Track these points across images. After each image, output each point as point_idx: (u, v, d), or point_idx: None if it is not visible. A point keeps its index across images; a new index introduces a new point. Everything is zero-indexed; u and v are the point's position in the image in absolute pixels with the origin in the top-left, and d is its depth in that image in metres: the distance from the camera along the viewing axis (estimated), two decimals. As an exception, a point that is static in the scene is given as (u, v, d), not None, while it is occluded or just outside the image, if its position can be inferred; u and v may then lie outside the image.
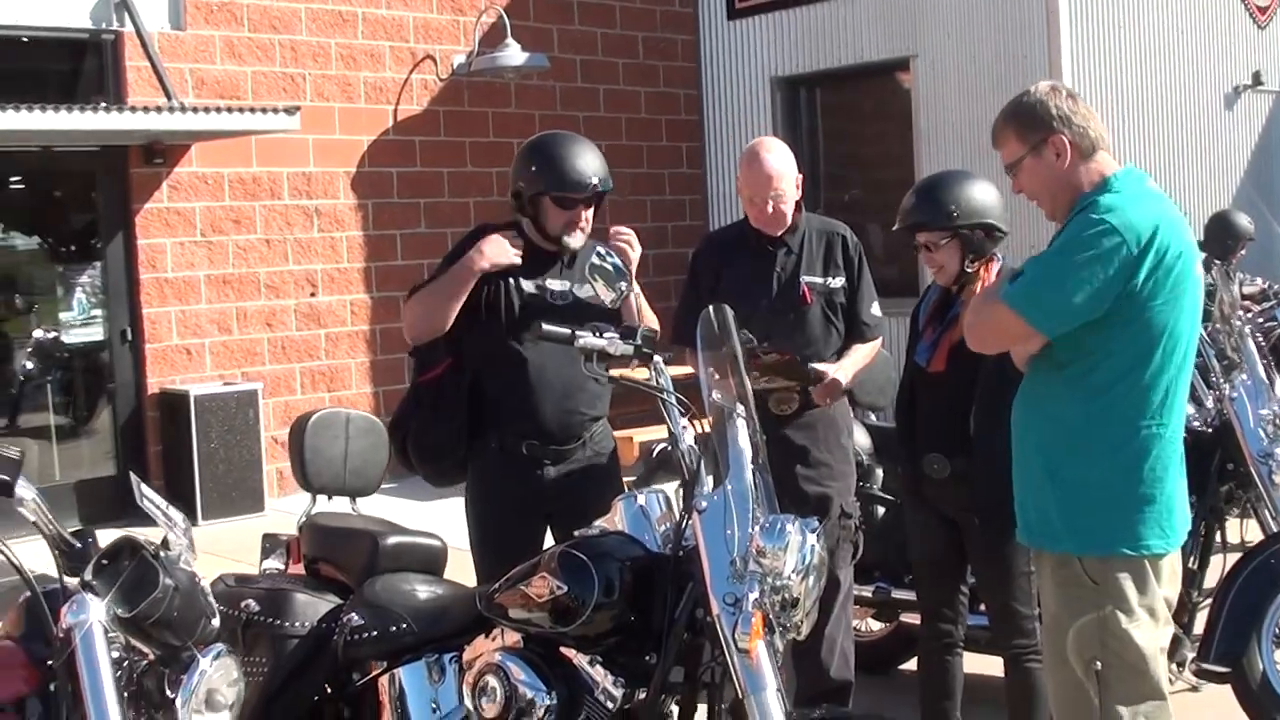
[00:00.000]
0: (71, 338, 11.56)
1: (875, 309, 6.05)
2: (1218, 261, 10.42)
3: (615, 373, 4.41)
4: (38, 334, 11.31)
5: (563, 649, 4.24)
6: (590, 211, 5.43)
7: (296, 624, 4.78)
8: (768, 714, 3.73)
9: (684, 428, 4.10)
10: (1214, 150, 14.77)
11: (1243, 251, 11.17)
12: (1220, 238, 11.07)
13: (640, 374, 4.34)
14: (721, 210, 15.12)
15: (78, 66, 11.76)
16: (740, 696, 3.80)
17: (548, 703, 4.15)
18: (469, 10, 13.51)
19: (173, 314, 11.77)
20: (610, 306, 4.63)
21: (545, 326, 4.50)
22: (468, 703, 4.34)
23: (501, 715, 4.20)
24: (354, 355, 12.77)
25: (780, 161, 5.97)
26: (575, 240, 5.38)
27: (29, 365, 10.90)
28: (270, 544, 5.48)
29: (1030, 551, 4.82)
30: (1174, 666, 6.36)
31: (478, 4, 13.54)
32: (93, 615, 2.88)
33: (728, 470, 3.95)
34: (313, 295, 12.52)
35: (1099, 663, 4.23)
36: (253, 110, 11.40)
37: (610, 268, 4.51)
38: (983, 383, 5.19)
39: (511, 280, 5.38)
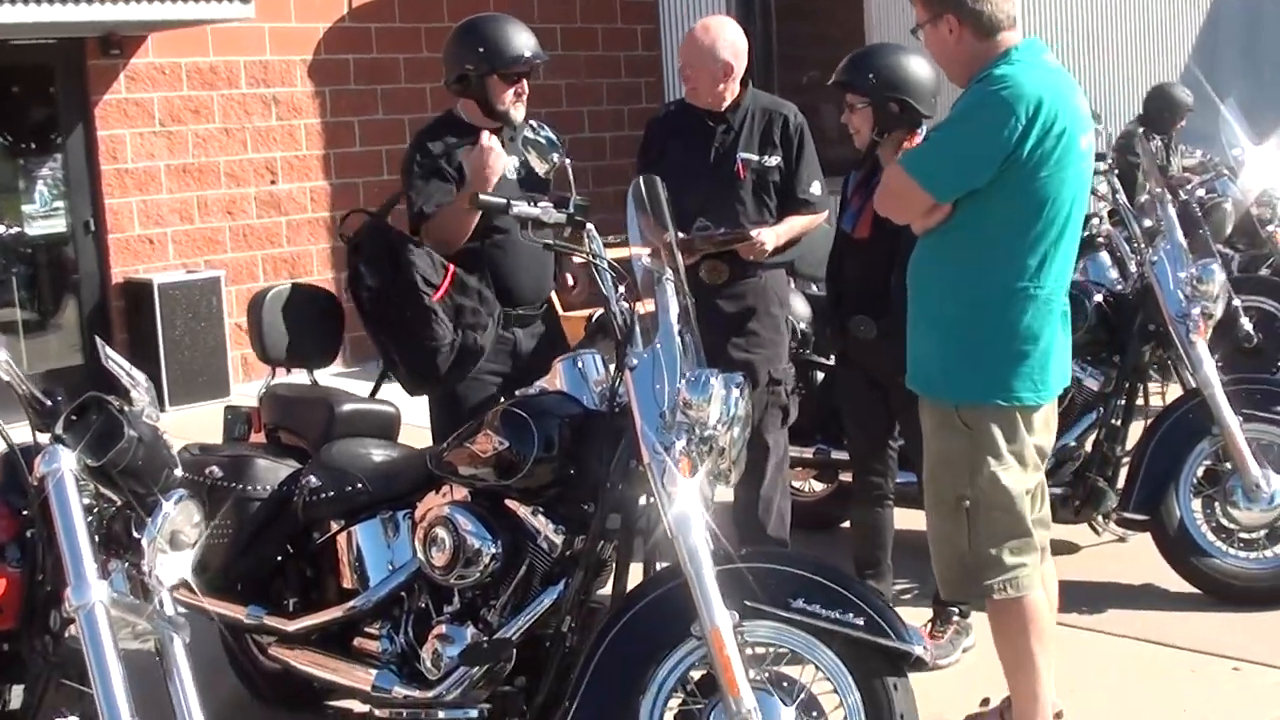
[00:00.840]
0: (34, 230, 11.67)
1: (816, 187, 6.22)
2: (1156, 135, 10.73)
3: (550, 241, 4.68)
4: (0, 229, 11.44)
5: (507, 502, 4.52)
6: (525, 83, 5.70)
7: (258, 488, 5.04)
8: (694, 552, 4.01)
9: (617, 292, 4.36)
10: (1161, 21, 14.93)
11: (1182, 123, 11.40)
12: (1159, 110, 11.32)
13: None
14: (677, 92, 15.22)
15: (31, -41, 11.81)
16: (670, 538, 4.08)
17: (493, 550, 4.43)
18: (420, -106, 13.55)
19: (134, 204, 11.91)
20: (544, 177, 4.84)
21: (481, 197, 4.74)
22: (419, 555, 4.62)
23: (450, 564, 4.47)
24: (315, 241, 12.93)
25: (714, 38, 6.11)
26: (519, 112, 5.61)
27: (-9, 260, 11.02)
28: (232, 415, 5.73)
29: None
30: (1100, 518, 6.70)
31: (428, -112, 13.57)
32: (64, 464, 3.13)
33: (656, 330, 4.21)
34: (273, 183, 12.66)
35: (969, 501, 4.53)
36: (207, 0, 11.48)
37: (543, 140, 4.75)
38: (903, 248, 5.28)
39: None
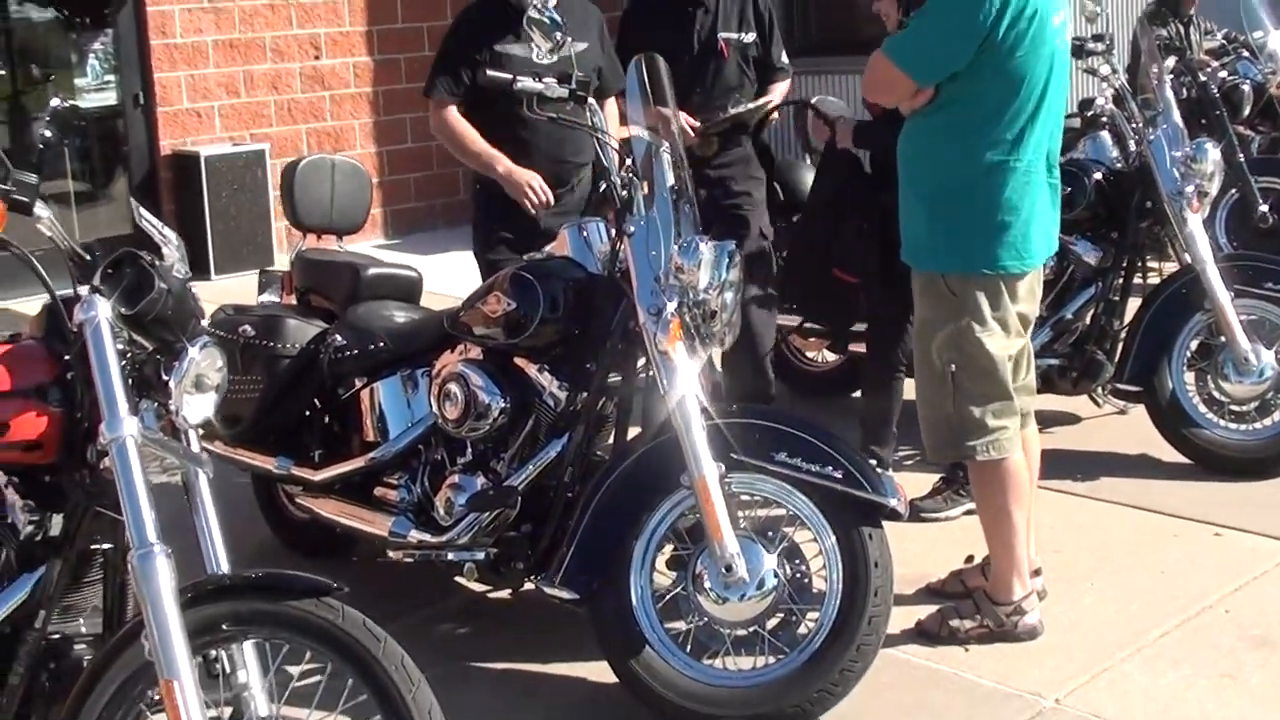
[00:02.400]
0: (87, 104, 11.84)
1: (784, 57, 6.86)
2: (1174, 16, 10.78)
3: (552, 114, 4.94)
4: (55, 102, 11.49)
5: (516, 360, 4.84)
6: None
7: (288, 345, 5.37)
8: (683, 407, 4.32)
9: (619, 165, 4.64)
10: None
11: (1194, 3, 11.45)
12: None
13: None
14: None
15: None
16: (663, 394, 4.39)
17: (501, 405, 4.76)
18: None
19: (182, 78, 12.11)
20: (549, 57, 5.02)
21: (489, 73, 5.00)
22: (434, 409, 4.95)
23: (462, 417, 4.80)
24: (357, 116, 13.14)
25: None
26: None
27: (47, 133, 11.19)
28: (266, 279, 6.05)
29: None
30: (1098, 390, 6.93)
31: None
32: (100, 313, 3.43)
33: (652, 199, 4.50)
34: (316, 58, 12.85)
35: (954, 365, 4.82)
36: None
37: (547, 20, 4.92)
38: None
39: (494, 51, 5.81)
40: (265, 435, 5.41)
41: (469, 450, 4.94)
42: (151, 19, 11.92)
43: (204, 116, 12.25)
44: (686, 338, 4.40)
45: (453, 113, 5.93)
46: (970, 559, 5.36)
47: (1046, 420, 7.19)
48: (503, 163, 5.81)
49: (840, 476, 4.34)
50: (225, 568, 3.47)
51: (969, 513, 5.83)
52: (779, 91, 6.84)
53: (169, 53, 12.03)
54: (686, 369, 4.37)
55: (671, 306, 4.36)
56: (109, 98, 12.15)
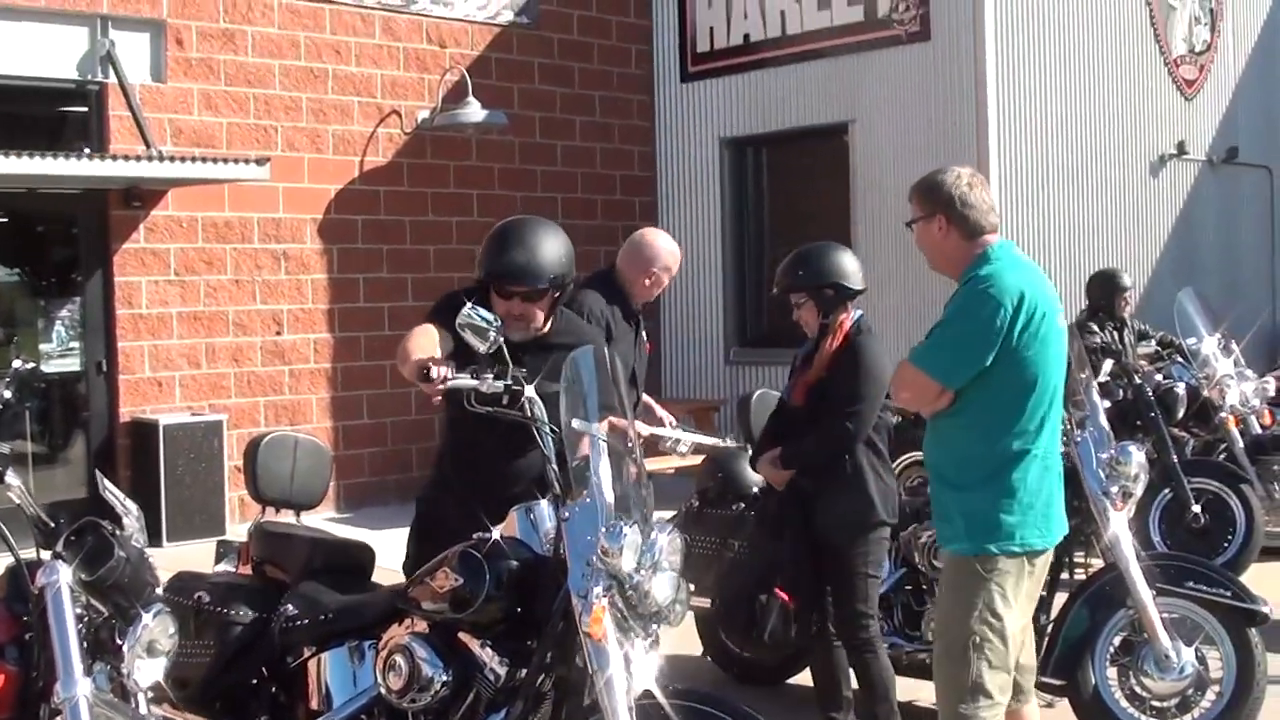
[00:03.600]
0: (50, 368, 12.05)
1: None
2: (1109, 320, 11.20)
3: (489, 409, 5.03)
4: (16, 363, 11.54)
5: (461, 635, 4.97)
6: (539, 305, 5.42)
7: (240, 613, 5.49)
8: (611, 689, 4.42)
9: (553, 451, 4.85)
10: (1139, 217, 15.48)
11: (1128, 306, 11.92)
12: (1102, 294, 11.87)
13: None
14: (670, 213, 16.01)
15: (64, 114, 12.49)
16: (590, 673, 4.53)
17: (444, 678, 4.84)
18: (434, 69, 14.25)
19: (146, 348, 12.43)
20: (484, 353, 4.93)
21: (429, 369, 5.00)
22: (379, 680, 5.06)
23: (405, 689, 4.87)
24: (315, 391, 13.43)
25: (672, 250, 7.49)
26: (515, 333, 5.29)
27: (7, 394, 11.29)
28: (224, 548, 6.18)
29: (868, 555, 6.35)
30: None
31: (442, 64, 14.28)
32: (62, 578, 3.62)
33: (586, 485, 4.70)
34: (278, 334, 13.18)
35: (976, 638, 5.17)
36: (227, 160, 12.12)
37: (479, 321, 4.90)
38: (825, 414, 6.42)
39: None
40: (214, 700, 5.49)
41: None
42: (119, 289, 12.30)
43: (164, 386, 12.50)
44: (620, 619, 4.53)
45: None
46: None
47: (977, 711, 7.33)
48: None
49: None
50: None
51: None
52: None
53: (134, 322, 12.36)
54: (614, 648, 4.47)
55: (598, 590, 4.50)
56: (72, 363, 12.39)
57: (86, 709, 3.42)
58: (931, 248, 5.38)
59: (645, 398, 7.86)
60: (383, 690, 5.00)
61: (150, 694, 3.81)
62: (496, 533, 5.05)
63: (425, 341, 5.25)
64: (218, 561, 6.13)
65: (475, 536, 5.00)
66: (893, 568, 7.01)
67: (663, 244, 7.51)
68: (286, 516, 6.22)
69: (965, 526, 5.23)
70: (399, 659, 4.92)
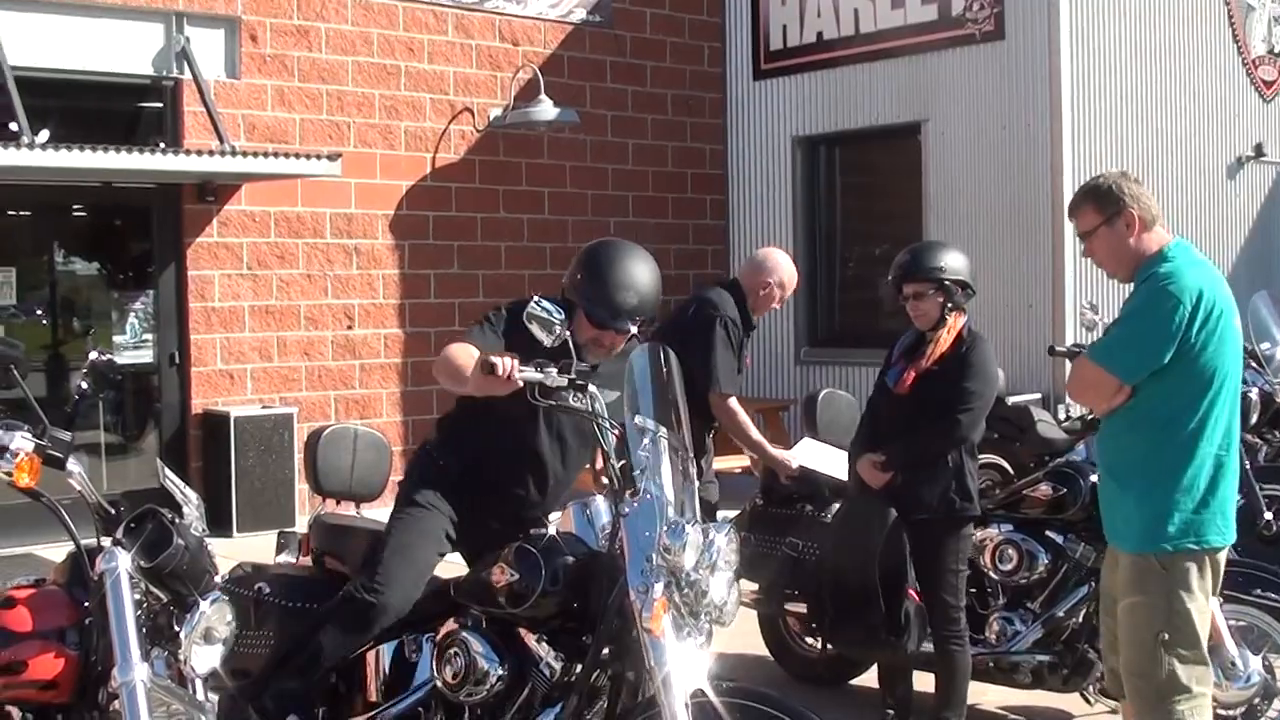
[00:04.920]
0: (124, 359, 12.14)
1: None
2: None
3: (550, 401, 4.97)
4: (92, 355, 11.77)
5: (518, 629, 4.99)
6: (625, 335, 5.33)
7: (300, 604, 5.55)
8: (669, 686, 4.40)
9: (614, 446, 4.81)
10: (1215, 220, 15.25)
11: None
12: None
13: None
14: (742, 258, 15.64)
15: (140, 110, 12.63)
16: (647, 669, 4.53)
17: (499, 672, 4.89)
18: (506, 67, 14.31)
19: (218, 341, 12.56)
20: (550, 347, 4.85)
21: (490, 359, 4.88)
22: (435, 673, 5.07)
23: (461, 682, 4.92)
24: (385, 386, 13.52)
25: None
26: (594, 356, 5.25)
27: (83, 385, 11.45)
28: (284, 540, 6.23)
29: (959, 551, 6.59)
30: (1089, 688, 7.01)
31: (515, 61, 14.34)
32: (121, 565, 3.68)
33: (646, 482, 4.69)
34: (349, 328, 13.29)
35: (1165, 635, 5.23)
36: (299, 155, 12.21)
37: (543, 313, 4.81)
38: (932, 404, 6.52)
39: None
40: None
41: (466, 715, 5.03)
42: (192, 282, 12.43)
43: (236, 378, 12.63)
44: (677, 616, 4.54)
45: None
46: None
47: (1038, 717, 7.30)
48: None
49: None
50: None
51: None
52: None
53: (207, 315, 12.48)
54: (672, 645, 4.48)
55: (659, 587, 4.49)
56: (146, 355, 12.55)
57: (143, 693, 3.47)
58: (1113, 250, 5.43)
59: None
60: (439, 683, 5.04)
61: (209, 680, 3.84)
62: (553, 528, 5.09)
63: (466, 352, 5.12)
64: (278, 553, 6.18)
65: (532, 532, 5.04)
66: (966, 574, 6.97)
67: (783, 260, 7.91)
68: (348, 509, 6.27)
69: (1143, 525, 5.29)
70: (455, 652, 4.96)
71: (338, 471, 6.17)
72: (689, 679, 4.44)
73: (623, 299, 5.20)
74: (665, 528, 4.52)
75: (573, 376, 4.82)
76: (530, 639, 4.95)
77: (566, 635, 4.90)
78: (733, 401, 7.49)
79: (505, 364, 4.75)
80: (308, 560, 6.06)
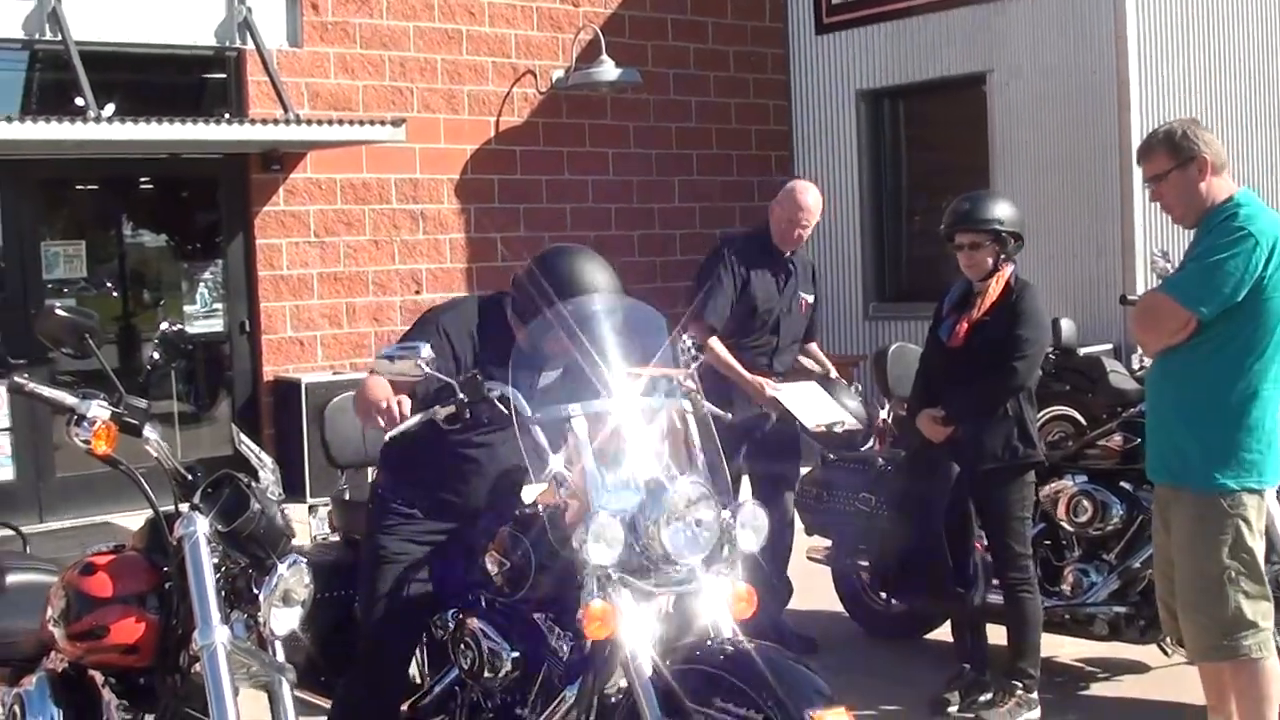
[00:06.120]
0: (194, 329, 12.32)
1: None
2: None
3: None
4: (163, 326, 11.89)
5: (528, 612, 4.81)
6: None
7: (328, 594, 5.19)
8: (637, 672, 4.25)
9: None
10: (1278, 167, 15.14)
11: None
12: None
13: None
14: (806, 165, 15.83)
15: (204, 81, 12.71)
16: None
17: (513, 657, 4.76)
18: (567, 28, 14.27)
19: (287, 308, 12.64)
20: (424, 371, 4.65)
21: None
22: (454, 659, 4.96)
23: (478, 670, 4.81)
24: (454, 349, 13.49)
25: (815, 200, 7.71)
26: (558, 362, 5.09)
27: (155, 355, 11.48)
28: (314, 514, 6.16)
29: (1024, 498, 6.65)
30: (1167, 639, 6.93)
31: (575, 22, 14.29)
32: (199, 529, 3.71)
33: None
34: (417, 293, 13.30)
35: (1230, 571, 5.32)
36: (363, 123, 12.24)
37: (398, 355, 4.61)
38: (986, 356, 6.53)
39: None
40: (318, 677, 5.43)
41: (498, 694, 4.91)
42: (260, 251, 12.50)
43: (306, 345, 12.70)
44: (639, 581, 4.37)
45: None
46: None
47: (1116, 668, 7.27)
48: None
49: None
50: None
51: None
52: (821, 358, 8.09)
53: (275, 283, 12.56)
54: (629, 633, 4.29)
55: (591, 588, 4.32)
56: (216, 324, 12.65)
57: (224, 655, 3.51)
58: (1183, 194, 5.46)
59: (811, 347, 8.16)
60: (460, 670, 4.96)
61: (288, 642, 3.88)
62: (540, 507, 4.85)
63: (380, 388, 4.82)
64: (311, 530, 6.11)
65: (517, 513, 4.87)
66: (1032, 522, 6.93)
67: (796, 189, 7.80)
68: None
69: (1205, 463, 5.35)
70: (467, 644, 4.87)
71: (350, 442, 5.95)
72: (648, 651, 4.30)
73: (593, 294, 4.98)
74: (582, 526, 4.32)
75: (460, 398, 4.59)
76: (539, 618, 4.78)
77: (570, 614, 4.60)
78: (713, 341, 7.38)
79: (393, 411, 4.64)
80: (337, 537, 6.01)
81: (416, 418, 4.61)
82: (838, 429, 7.48)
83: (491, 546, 4.83)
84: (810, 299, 7.88)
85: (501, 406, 4.57)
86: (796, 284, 7.77)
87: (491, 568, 4.80)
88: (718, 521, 4.43)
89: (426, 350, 4.55)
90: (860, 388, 8.13)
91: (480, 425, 4.83)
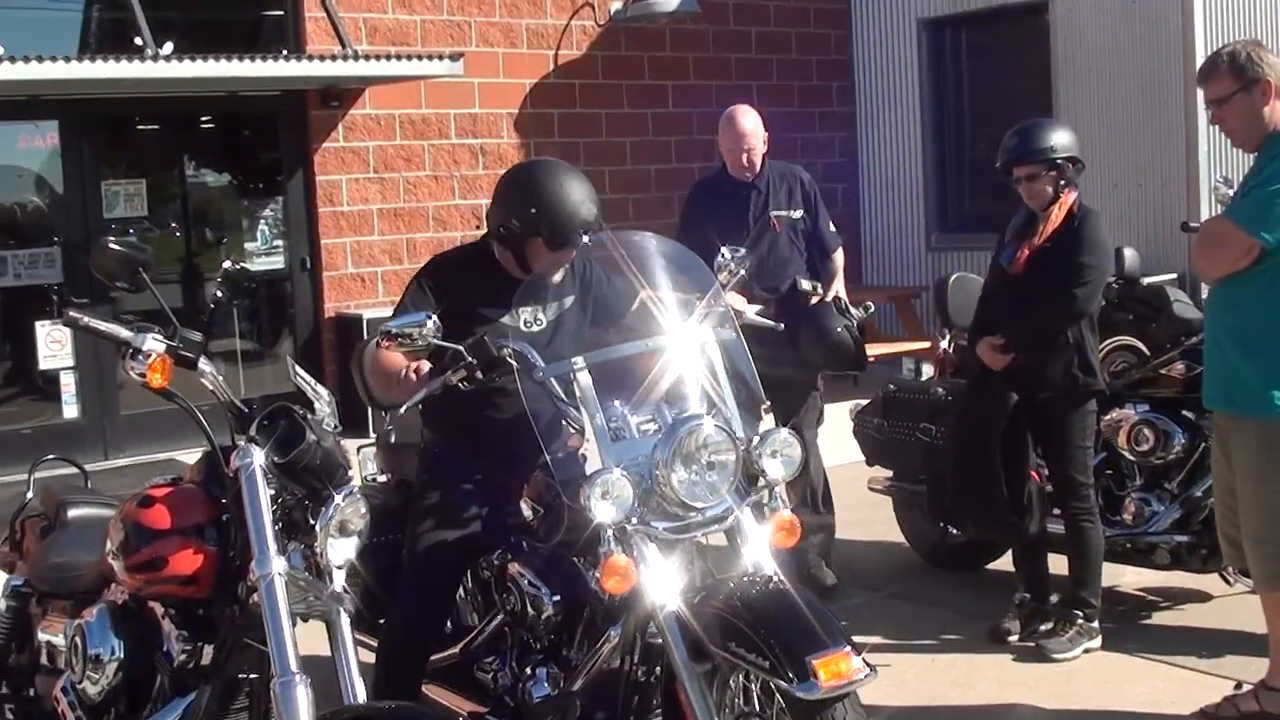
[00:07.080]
0: (256, 267, 12.35)
1: (831, 227, 7.87)
2: None
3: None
4: (225, 264, 11.95)
5: (574, 557, 4.78)
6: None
7: (377, 539, 5.08)
8: (667, 622, 4.22)
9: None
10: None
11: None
12: None
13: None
14: (870, 145, 15.79)
15: (262, 18, 12.71)
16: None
17: (554, 599, 4.76)
18: (626, -41, 14.17)
19: (348, 245, 12.68)
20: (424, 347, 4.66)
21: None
22: (499, 603, 5.00)
23: (521, 615, 4.84)
24: (514, 284, 13.49)
25: (750, 123, 7.64)
26: (556, 276, 5.24)
27: (218, 293, 11.54)
28: (362, 456, 6.15)
29: (1085, 427, 6.60)
30: (1229, 568, 6.90)
31: (633, -48, 14.19)
32: (255, 460, 3.73)
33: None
34: (478, 228, 13.20)
35: None
36: (421, 57, 12.17)
37: (400, 331, 4.55)
38: (1049, 284, 6.48)
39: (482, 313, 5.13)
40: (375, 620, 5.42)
41: (543, 637, 4.91)
42: (320, 188, 12.52)
43: (367, 281, 12.74)
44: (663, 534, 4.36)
45: None
46: (1239, 685, 5.84)
47: (1177, 598, 7.24)
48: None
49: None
50: (361, 699, 3.69)
51: (1088, 651, 6.56)
52: (836, 268, 7.82)
53: (335, 220, 12.58)
54: (652, 580, 4.28)
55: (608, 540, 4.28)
56: (277, 261, 12.71)
57: (281, 585, 3.53)
58: (1246, 117, 5.42)
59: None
60: (503, 614, 4.99)
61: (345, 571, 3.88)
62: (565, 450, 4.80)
63: (391, 362, 4.92)
64: (362, 469, 6.10)
65: (547, 457, 4.74)
66: (1093, 452, 6.89)
67: (736, 112, 7.73)
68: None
69: (1265, 390, 5.32)
70: (509, 590, 4.89)
71: None
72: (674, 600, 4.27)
73: (587, 212, 5.04)
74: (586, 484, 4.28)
75: (469, 360, 4.53)
76: (581, 563, 4.76)
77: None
78: None
79: (411, 379, 4.68)
80: (384, 479, 6.02)
81: (434, 383, 4.59)
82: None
83: (526, 491, 4.80)
84: (787, 214, 7.62)
85: (513, 362, 4.54)
86: (765, 205, 7.60)
87: (527, 513, 4.77)
88: (737, 464, 4.39)
89: (431, 324, 4.50)
90: (871, 306, 8.08)
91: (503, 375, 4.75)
